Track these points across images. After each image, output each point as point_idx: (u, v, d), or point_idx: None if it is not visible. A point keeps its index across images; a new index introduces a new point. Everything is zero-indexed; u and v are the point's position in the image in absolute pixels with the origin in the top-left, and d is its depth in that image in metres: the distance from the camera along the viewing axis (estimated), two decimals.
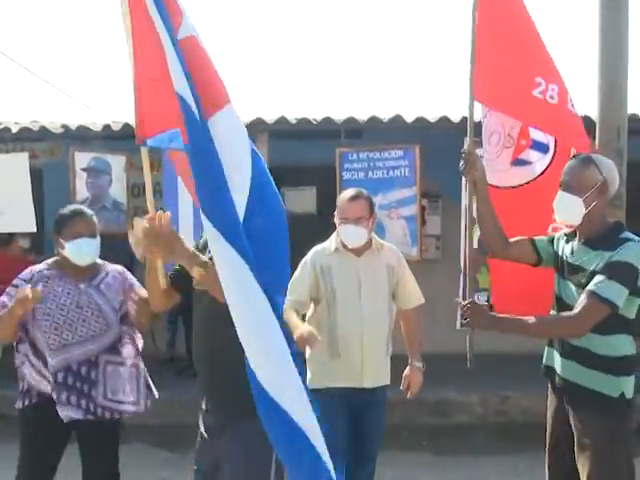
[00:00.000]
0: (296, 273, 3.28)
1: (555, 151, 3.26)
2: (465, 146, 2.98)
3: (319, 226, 7.66)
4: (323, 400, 2.80)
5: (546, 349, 2.91)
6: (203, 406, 2.71)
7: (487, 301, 5.34)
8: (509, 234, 3.02)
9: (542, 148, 3.26)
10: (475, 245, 5.46)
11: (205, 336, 2.59)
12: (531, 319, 2.60)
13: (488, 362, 6.90)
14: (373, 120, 5.56)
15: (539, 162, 3.27)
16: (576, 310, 2.52)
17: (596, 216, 2.65)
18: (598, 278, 2.50)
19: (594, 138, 5.31)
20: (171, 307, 2.82)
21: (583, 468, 2.64)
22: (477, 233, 5.34)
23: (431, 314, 7.43)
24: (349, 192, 3.28)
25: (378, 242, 3.37)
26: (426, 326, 7.17)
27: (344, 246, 3.26)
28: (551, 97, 3.22)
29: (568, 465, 2.75)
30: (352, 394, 3.28)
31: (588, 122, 5.63)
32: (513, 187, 3.30)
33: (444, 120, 5.49)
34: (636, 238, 2.59)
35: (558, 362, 2.75)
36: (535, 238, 2.93)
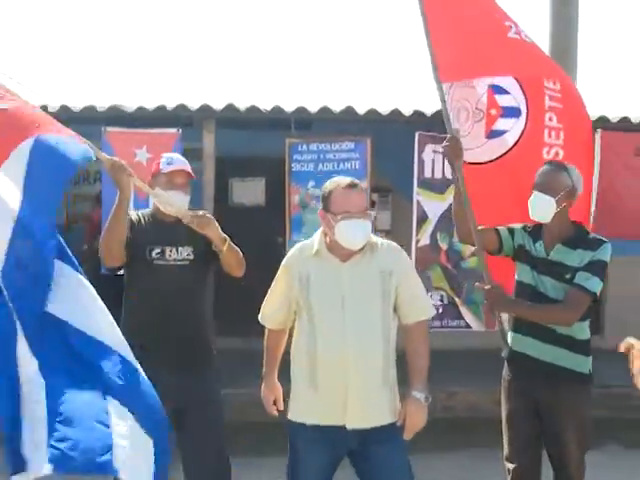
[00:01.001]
0: (276, 277, 2.80)
1: (528, 111, 3.16)
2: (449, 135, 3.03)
3: (268, 219, 7.59)
4: (297, 435, 2.68)
5: (511, 335, 3.08)
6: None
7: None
8: (490, 209, 3.17)
9: (514, 113, 3.18)
10: (427, 241, 5.47)
11: (178, 302, 2.90)
12: (537, 305, 2.92)
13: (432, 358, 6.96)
14: (324, 111, 5.43)
15: (514, 128, 3.20)
16: (570, 301, 2.85)
17: (564, 216, 2.94)
18: (585, 275, 2.83)
19: None
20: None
21: (566, 434, 2.92)
22: (429, 228, 5.42)
23: None
24: (343, 180, 2.63)
25: (372, 241, 2.68)
26: None
27: (328, 249, 2.64)
28: (526, 36, 3.19)
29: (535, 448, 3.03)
30: (334, 435, 2.61)
31: None
32: (492, 160, 3.25)
33: (396, 113, 5.41)
34: (605, 239, 2.95)
35: (536, 347, 2.96)
36: (499, 228, 3.09)
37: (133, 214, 3.04)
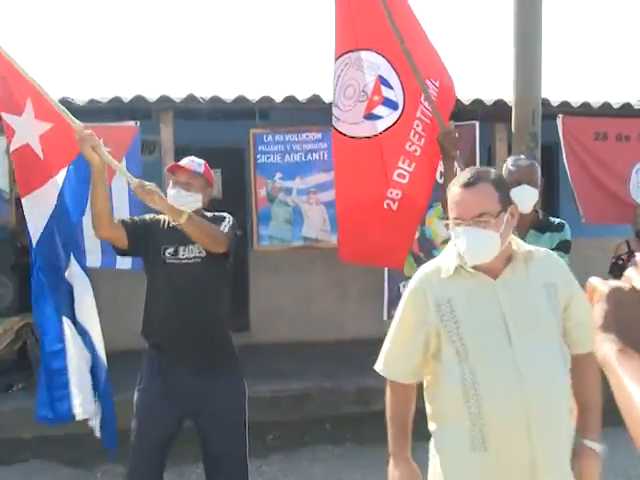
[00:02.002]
0: (399, 311, 2.18)
1: (403, 111, 3.53)
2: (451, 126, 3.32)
3: (224, 211, 7.40)
4: None
5: None
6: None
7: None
8: (357, 184, 3.56)
9: (392, 105, 3.53)
10: None
11: (192, 300, 2.91)
12: None
13: None
14: (289, 100, 5.28)
15: (388, 117, 3.55)
16: None
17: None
18: (559, 253, 2.90)
19: (510, 121, 5.41)
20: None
21: None
22: None
23: (347, 299, 7.47)
24: (461, 176, 2.06)
25: (523, 249, 2.12)
26: (340, 313, 7.39)
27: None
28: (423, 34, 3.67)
29: None
30: None
31: (502, 106, 5.74)
32: (367, 137, 3.56)
33: None
34: (563, 221, 3.29)
35: None
36: None
37: (151, 217, 3.12)
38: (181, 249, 2.98)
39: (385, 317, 5.40)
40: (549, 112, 5.20)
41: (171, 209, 2.84)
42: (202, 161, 3.14)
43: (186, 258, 2.97)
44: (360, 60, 3.53)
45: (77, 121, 2.88)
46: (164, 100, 5.14)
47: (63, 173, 3.51)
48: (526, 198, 3.16)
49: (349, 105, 3.58)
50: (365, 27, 3.53)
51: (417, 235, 5.32)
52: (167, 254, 2.99)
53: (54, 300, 3.49)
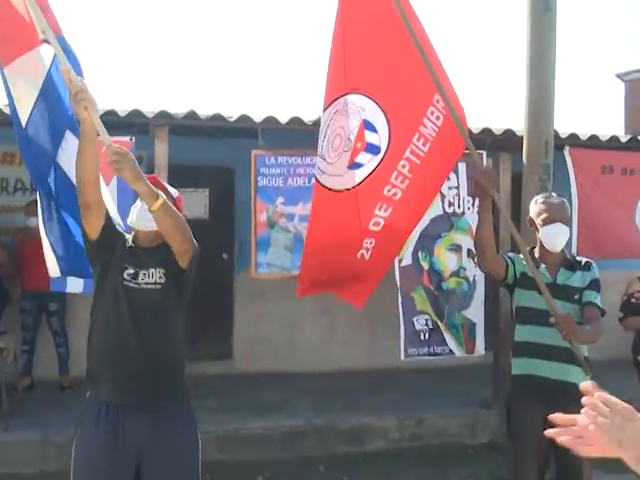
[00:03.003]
0: None
1: (385, 153, 3.35)
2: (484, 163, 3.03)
3: (212, 233, 7.11)
4: None
5: (520, 360, 3.19)
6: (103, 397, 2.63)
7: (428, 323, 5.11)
8: (331, 235, 3.40)
9: (373, 150, 3.36)
10: (409, 261, 5.21)
11: (147, 329, 2.61)
12: (587, 328, 3.03)
13: (392, 376, 6.76)
14: (294, 121, 5.02)
15: (368, 164, 3.38)
16: (596, 319, 3.08)
17: None
18: (593, 294, 3.14)
19: (516, 151, 5.29)
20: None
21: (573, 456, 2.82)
22: (410, 247, 5.15)
23: (335, 327, 7.22)
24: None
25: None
26: (329, 341, 7.12)
27: None
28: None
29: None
30: None
31: (511, 136, 5.62)
32: (347, 189, 3.41)
33: None
34: (590, 260, 3.28)
35: (548, 367, 3.10)
36: (504, 256, 3.31)
37: (121, 234, 2.78)
38: (141, 273, 2.67)
39: (403, 357, 5.17)
40: (556, 144, 5.07)
41: (147, 188, 2.45)
42: (176, 192, 2.87)
43: (145, 283, 2.66)
44: (347, 104, 3.35)
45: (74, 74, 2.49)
46: (163, 115, 4.83)
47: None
48: (559, 236, 3.17)
49: (335, 157, 3.39)
50: (355, 66, 3.34)
51: (427, 267, 5.11)
52: (125, 276, 2.66)
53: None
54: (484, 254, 3.19)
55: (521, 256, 3.26)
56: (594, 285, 3.16)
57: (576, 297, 3.14)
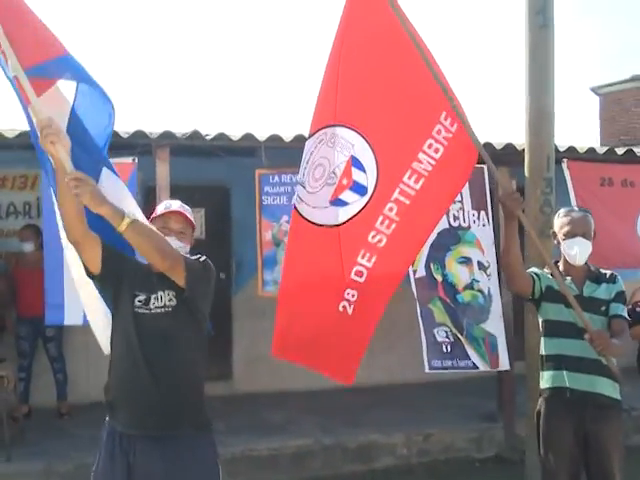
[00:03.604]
0: None
1: (372, 196, 3.16)
2: (512, 185, 3.02)
3: (208, 253, 7.02)
4: None
5: (549, 373, 3.22)
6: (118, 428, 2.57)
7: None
8: (309, 274, 3.20)
9: (360, 190, 3.17)
10: (423, 273, 5.17)
11: (161, 356, 2.56)
12: (616, 341, 3.01)
13: (393, 392, 6.71)
14: (299, 139, 4.99)
15: (353, 204, 3.19)
16: (624, 330, 3.11)
17: None
18: (620, 306, 3.18)
19: (516, 165, 5.33)
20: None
21: (613, 462, 3.08)
22: (422, 258, 5.13)
23: None
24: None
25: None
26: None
27: None
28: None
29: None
30: None
31: (512, 150, 5.66)
32: (328, 226, 3.20)
33: None
34: (614, 272, 3.32)
35: (580, 380, 3.12)
36: (529, 272, 3.29)
37: (129, 260, 2.71)
38: (152, 298, 2.61)
39: (427, 369, 5.07)
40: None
41: (111, 210, 2.39)
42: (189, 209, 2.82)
43: (156, 308, 2.60)
44: (335, 137, 3.18)
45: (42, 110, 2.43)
46: (166, 136, 4.78)
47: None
48: (580, 250, 3.20)
49: (316, 187, 3.21)
50: (348, 99, 3.19)
51: (440, 279, 5.08)
52: (136, 302, 2.61)
53: None
54: (514, 276, 3.19)
55: (546, 270, 3.28)
56: (620, 297, 3.20)
57: (602, 309, 3.17)
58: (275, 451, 5.19)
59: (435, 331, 4.97)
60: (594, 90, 16.27)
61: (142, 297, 2.61)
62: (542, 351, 3.27)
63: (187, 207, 2.81)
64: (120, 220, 2.39)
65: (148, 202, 5.43)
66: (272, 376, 6.77)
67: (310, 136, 3.25)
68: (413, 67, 3.09)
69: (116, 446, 2.55)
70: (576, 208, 3.39)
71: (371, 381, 6.94)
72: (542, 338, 3.28)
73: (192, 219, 2.76)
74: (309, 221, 3.20)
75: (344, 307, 3.19)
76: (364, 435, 5.47)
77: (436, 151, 3.11)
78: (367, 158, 3.16)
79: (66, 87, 2.79)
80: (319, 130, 3.21)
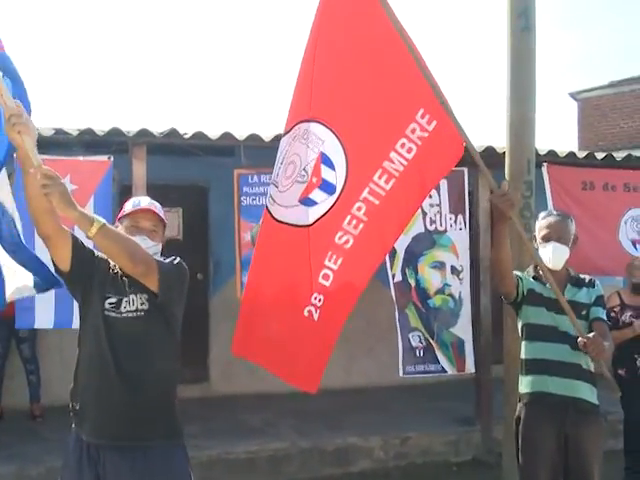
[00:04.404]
0: None
1: (340, 194, 3.05)
2: (505, 186, 3.01)
3: (185, 253, 6.93)
4: None
5: (529, 378, 3.18)
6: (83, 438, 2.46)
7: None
8: (276, 276, 3.14)
9: (328, 189, 3.06)
10: (400, 278, 5.16)
11: (132, 362, 2.45)
12: (607, 344, 2.97)
13: (371, 395, 6.68)
14: (278, 139, 4.89)
15: (322, 204, 3.08)
16: (606, 333, 3.07)
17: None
18: (601, 310, 3.19)
19: (496, 168, 5.32)
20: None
21: (593, 466, 3.08)
22: (399, 263, 5.11)
23: None
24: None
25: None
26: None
27: None
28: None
29: None
30: None
31: (492, 153, 5.65)
32: (297, 226, 3.11)
33: None
34: (592, 277, 3.33)
35: (560, 384, 3.09)
36: (515, 277, 3.21)
37: (103, 260, 2.58)
38: (124, 301, 2.51)
39: (401, 374, 5.10)
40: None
41: (80, 214, 2.30)
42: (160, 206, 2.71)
43: (127, 312, 2.49)
44: (307, 133, 3.07)
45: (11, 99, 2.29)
46: (143, 134, 4.70)
47: None
48: (556, 255, 3.18)
49: (287, 185, 3.10)
50: (322, 94, 3.08)
51: (413, 284, 5.09)
52: (107, 305, 2.50)
53: None
54: (504, 278, 3.14)
55: (527, 273, 3.27)
56: (600, 301, 3.21)
57: (583, 313, 3.16)
58: (252, 454, 5.13)
59: (410, 336, 5.01)
60: (572, 95, 16.43)
61: (113, 300, 2.51)
62: (522, 355, 3.24)
63: (157, 203, 2.70)
64: (89, 225, 2.30)
65: (124, 202, 5.34)
66: (250, 378, 6.67)
67: (285, 133, 3.15)
68: (392, 63, 2.97)
69: (84, 456, 2.44)
70: (555, 212, 3.37)
71: (350, 384, 6.93)
72: (522, 342, 3.25)
73: (163, 216, 2.66)
74: (280, 221, 3.11)
75: (310, 312, 3.08)
76: (341, 438, 5.43)
77: (409, 151, 2.98)
78: (337, 155, 3.04)
79: None
80: (293, 127, 3.11)
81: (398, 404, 6.42)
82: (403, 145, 2.98)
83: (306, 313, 3.09)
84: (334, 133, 3.05)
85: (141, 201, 2.67)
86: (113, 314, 2.49)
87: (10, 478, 4.58)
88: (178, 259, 2.61)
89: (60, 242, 2.44)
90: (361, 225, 3.03)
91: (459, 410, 6.05)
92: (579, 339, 2.92)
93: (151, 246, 2.55)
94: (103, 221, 2.34)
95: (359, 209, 3.03)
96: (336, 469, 5.27)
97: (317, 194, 3.07)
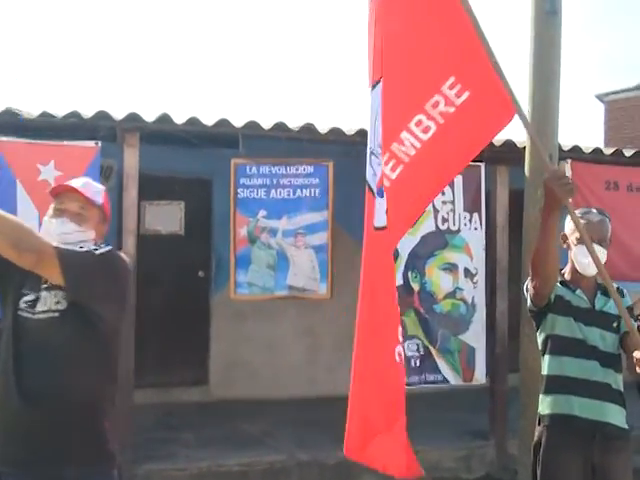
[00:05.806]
0: None
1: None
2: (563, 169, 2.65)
3: (187, 249, 6.65)
4: None
5: (552, 397, 2.84)
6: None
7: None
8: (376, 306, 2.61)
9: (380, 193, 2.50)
10: (400, 282, 4.81)
11: (39, 374, 2.09)
12: None
13: None
14: (279, 128, 4.59)
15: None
16: None
17: None
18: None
19: (515, 164, 4.97)
20: None
21: None
22: (400, 267, 4.76)
23: (319, 350, 6.77)
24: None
25: None
26: (312, 365, 6.65)
27: None
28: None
29: None
30: None
31: (511, 147, 5.27)
32: (381, 228, 2.49)
33: (362, 134, 4.61)
34: (620, 286, 2.92)
35: (587, 406, 2.77)
36: None
37: None
38: (40, 299, 2.16)
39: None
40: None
41: None
42: (101, 187, 2.36)
43: (40, 312, 2.14)
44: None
45: None
46: (132, 119, 4.37)
47: None
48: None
49: (382, 158, 2.52)
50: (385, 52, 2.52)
51: (417, 288, 4.73)
52: (22, 304, 2.17)
53: None
54: (550, 278, 2.74)
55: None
56: (631, 313, 2.88)
57: (614, 325, 2.85)
58: (246, 467, 4.80)
59: (406, 345, 4.64)
60: (599, 97, 15.98)
61: (30, 297, 2.16)
62: (544, 371, 2.87)
63: (96, 184, 2.36)
64: None
65: (114, 191, 5.06)
66: (251, 383, 6.41)
67: (373, 87, 2.52)
68: (443, 27, 2.51)
69: None
70: (594, 210, 2.96)
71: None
72: (545, 356, 2.87)
73: (98, 199, 2.29)
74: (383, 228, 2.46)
75: (399, 353, 2.43)
76: (344, 451, 5.07)
77: (426, 130, 2.54)
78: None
79: None
80: (378, 82, 2.52)
81: (406, 415, 6.05)
82: (420, 123, 2.55)
83: (397, 357, 2.43)
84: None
85: (73, 182, 2.32)
86: (25, 314, 2.14)
87: None
88: (107, 248, 2.22)
89: None
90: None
91: (471, 422, 5.66)
92: (635, 352, 2.51)
93: (73, 231, 2.20)
94: None
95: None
96: None
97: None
